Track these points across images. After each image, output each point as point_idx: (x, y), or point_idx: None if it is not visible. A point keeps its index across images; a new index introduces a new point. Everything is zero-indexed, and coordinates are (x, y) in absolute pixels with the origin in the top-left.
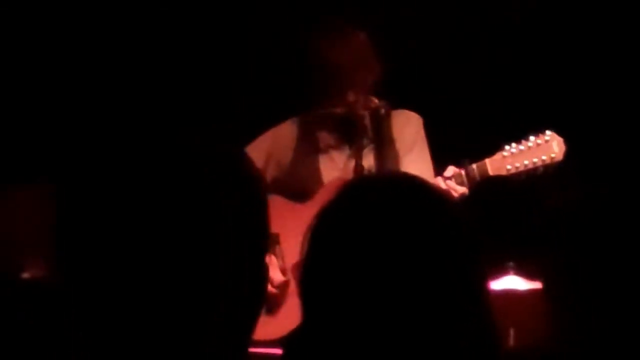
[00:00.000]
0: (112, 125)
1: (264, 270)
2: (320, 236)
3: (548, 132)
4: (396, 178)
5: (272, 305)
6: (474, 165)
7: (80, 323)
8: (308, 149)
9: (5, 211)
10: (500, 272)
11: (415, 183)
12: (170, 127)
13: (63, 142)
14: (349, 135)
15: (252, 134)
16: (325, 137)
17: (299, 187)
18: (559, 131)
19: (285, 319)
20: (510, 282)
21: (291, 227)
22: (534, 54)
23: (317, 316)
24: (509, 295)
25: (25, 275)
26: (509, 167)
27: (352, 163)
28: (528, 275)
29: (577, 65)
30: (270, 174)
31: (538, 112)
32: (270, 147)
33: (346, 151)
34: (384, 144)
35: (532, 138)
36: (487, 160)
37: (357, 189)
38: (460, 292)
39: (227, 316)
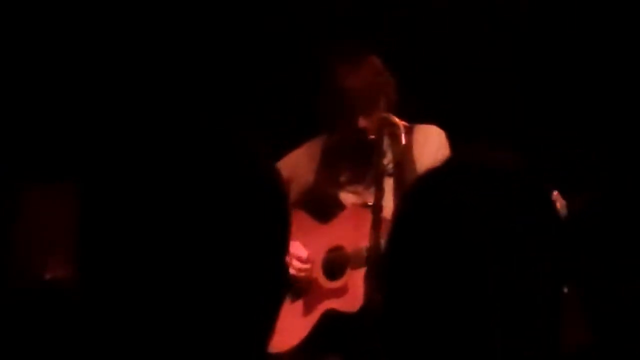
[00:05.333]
0: (133, 125)
1: (281, 283)
2: (408, 219)
3: (555, 193)
4: (495, 167)
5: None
6: None
7: (97, 323)
8: (328, 181)
9: (28, 211)
10: None
11: (515, 174)
12: (196, 129)
13: (87, 143)
14: (368, 163)
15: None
16: (345, 169)
17: (319, 209)
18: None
19: (287, 333)
20: None
21: (311, 245)
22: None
23: (400, 299)
24: None
25: (48, 275)
26: None
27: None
28: None
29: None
30: (291, 197)
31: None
32: (291, 173)
33: (366, 181)
34: (404, 166)
35: None
36: None
37: (452, 175)
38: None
39: (244, 322)
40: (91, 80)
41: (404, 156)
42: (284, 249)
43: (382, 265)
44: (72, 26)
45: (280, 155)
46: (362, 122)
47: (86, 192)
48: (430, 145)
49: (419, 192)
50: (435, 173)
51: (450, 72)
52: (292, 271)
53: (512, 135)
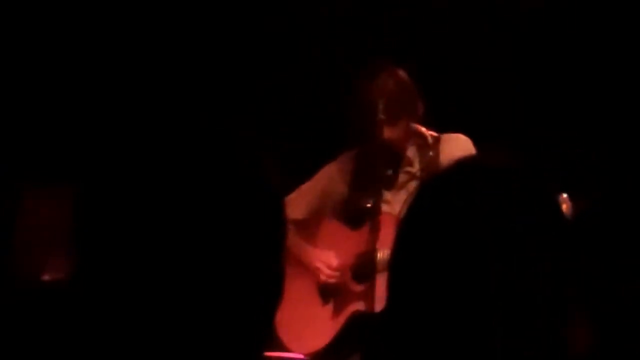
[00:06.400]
0: (133, 126)
1: (278, 283)
2: (412, 228)
3: (564, 196)
4: (497, 168)
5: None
6: None
7: (95, 323)
8: (360, 191)
9: (27, 212)
10: None
11: (517, 174)
12: (195, 130)
13: (86, 144)
14: (396, 172)
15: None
16: (375, 179)
17: (353, 218)
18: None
19: (318, 335)
20: None
21: (343, 251)
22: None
23: (402, 308)
24: None
25: (47, 276)
26: None
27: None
28: None
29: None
30: (328, 208)
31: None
32: (325, 187)
33: (395, 189)
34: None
35: None
36: None
37: (455, 180)
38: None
39: (242, 323)
40: (91, 82)
41: (432, 165)
42: (281, 250)
43: (387, 266)
44: (72, 27)
45: (283, 156)
46: (388, 133)
47: (86, 193)
48: (458, 154)
49: (423, 194)
50: (438, 175)
51: (450, 72)
52: (322, 278)
53: (512, 135)
